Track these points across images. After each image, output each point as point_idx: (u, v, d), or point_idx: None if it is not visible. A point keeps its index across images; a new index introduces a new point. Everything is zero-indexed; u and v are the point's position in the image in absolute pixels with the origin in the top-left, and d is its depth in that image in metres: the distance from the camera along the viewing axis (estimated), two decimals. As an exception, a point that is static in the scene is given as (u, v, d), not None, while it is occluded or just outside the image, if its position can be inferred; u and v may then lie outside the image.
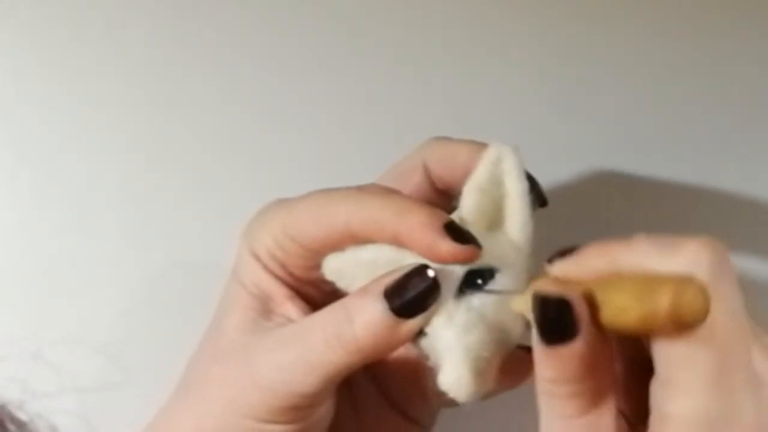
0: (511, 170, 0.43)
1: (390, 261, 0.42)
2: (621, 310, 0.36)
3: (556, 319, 0.37)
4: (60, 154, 0.52)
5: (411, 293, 0.41)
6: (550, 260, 0.40)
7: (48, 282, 0.52)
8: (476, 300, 0.41)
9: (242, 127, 0.54)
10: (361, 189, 0.44)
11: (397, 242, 0.42)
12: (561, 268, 0.39)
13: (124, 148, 0.53)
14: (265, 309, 0.45)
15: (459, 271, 0.41)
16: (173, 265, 0.52)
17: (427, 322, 0.41)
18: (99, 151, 0.53)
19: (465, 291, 0.41)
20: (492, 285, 0.41)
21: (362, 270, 0.43)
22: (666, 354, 0.37)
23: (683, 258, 0.37)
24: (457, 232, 0.41)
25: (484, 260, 0.41)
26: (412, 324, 0.41)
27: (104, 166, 0.53)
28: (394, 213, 0.42)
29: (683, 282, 0.35)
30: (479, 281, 0.41)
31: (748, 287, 0.55)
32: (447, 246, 0.41)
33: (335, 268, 0.43)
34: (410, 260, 0.41)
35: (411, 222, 0.41)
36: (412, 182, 0.46)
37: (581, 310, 0.37)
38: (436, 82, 0.56)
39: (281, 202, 0.46)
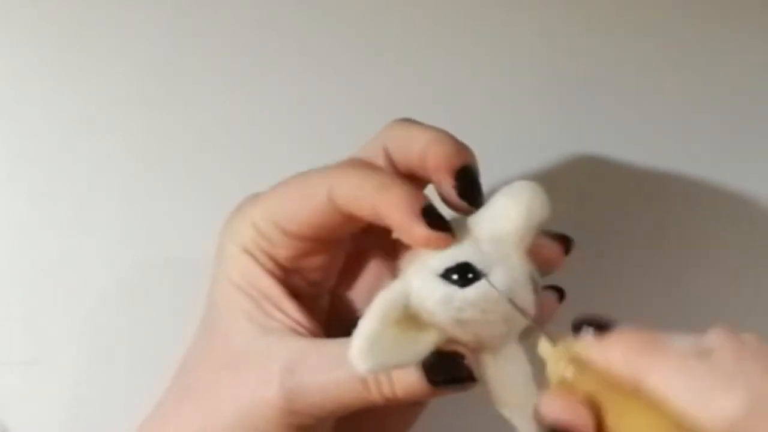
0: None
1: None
2: None
3: None
4: (60, 154, 0.52)
5: (447, 376, 0.41)
6: (578, 326, 0.39)
7: (43, 280, 0.52)
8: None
9: (238, 129, 0.54)
10: (341, 163, 0.44)
11: (377, 217, 0.42)
12: (586, 349, 0.38)
13: (124, 148, 0.53)
14: (264, 308, 0.45)
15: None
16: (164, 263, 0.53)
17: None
18: (99, 150, 0.53)
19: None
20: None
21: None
22: None
23: (717, 411, 0.35)
24: (432, 219, 0.41)
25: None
26: (447, 390, 0.42)
27: (103, 166, 0.53)
28: (374, 188, 0.42)
29: None
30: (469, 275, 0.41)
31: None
32: (421, 231, 0.41)
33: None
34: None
35: (390, 200, 0.41)
36: None
37: None
38: (435, 81, 0.55)
39: (257, 194, 0.45)
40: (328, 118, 0.54)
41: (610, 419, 0.36)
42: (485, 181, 0.44)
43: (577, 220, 0.55)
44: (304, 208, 0.43)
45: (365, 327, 0.39)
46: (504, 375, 0.42)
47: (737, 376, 0.35)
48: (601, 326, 0.38)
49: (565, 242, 0.45)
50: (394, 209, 0.41)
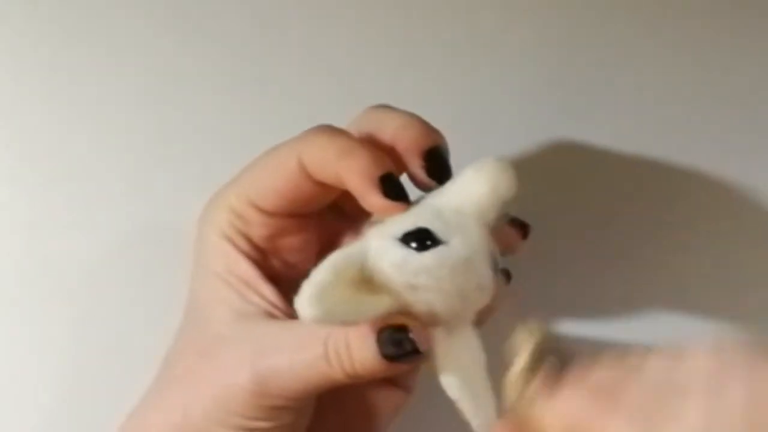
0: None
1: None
2: None
3: None
4: (60, 154, 0.53)
5: (397, 350, 0.41)
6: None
7: (41, 277, 0.52)
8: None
9: (246, 137, 0.54)
10: (309, 130, 0.44)
11: (340, 183, 0.42)
12: (541, 409, 0.38)
13: (123, 147, 0.53)
14: (242, 292, 0.45)
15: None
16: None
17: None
18: (97, 150, 0.53)
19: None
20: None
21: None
22: None
23: None
24: (389, 187, 0.41)
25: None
26: (404, 365, 0.42)
27: (103, 165, 0.53)
28: (336, 153, 0.42)
29: None
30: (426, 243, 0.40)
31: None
32: (376, 199, 0.41)
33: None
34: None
35: (350, 165, 0.42)
36: None
37: None
38: (435, 81, 0.55)
39: (228, 181, 0.46)
40: (321, 113, 0.54)
41: None
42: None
43: (571, 211, 0.55)
44: (276, 179, 0.44)
45: (316, 275, 0.39)
46: (454, 355, 0.42)
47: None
48: (562, 359, 0.38)
49: (523, 228, 0.46)
50: (353, 175, 0.41)
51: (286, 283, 0.46)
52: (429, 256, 0.40)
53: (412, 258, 0.40)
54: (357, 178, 0.41)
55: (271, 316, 0.44)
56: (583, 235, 0.55)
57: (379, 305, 0.40)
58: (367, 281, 0.40)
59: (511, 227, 0.45)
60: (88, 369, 0.52)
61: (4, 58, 0.53)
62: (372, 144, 0.43)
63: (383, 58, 0.55)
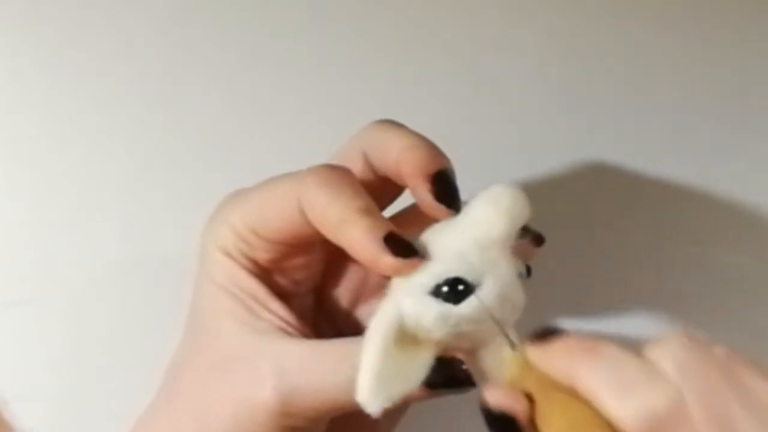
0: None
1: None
2: None
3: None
4: (60, 154, 0.53)
5: (446, 382, 0.41)
6: (533, 339, 0.40)
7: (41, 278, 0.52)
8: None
9: (229, 129, 0.54)
10: (312, 175, 0.43)
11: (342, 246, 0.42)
12: (534, 354, 0.40)
13: (123, 148, 0.53)
14: (251, 308, 0.44)
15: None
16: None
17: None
18: (98, 150, 0.53)
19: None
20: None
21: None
22: None
23: (632, 408, 0.36)
24: (396, 246, 0.40)
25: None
26: (445, 393, 0.42)
27: (103, 166, 0.53)
28: (336, 223, 0.41)
29: None
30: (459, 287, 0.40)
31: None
32: (388, 261, 0.40)
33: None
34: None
35: (351, 237, 0.41)
36: (355, 171, 0.44)
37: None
38: (436, 81, 0.55)
39: (237, 194, 0.45)
40: (320, 122, 0.54)
41: (539, 418, 0.38)
42: (482, 185, 0.44)
43: (578, 221, 0.55)
44: (277, 218, 0.43)
45: (367, 363, 0.39)
46: (495, 364, 0.42)
47: (664, 376, 0.36)
48: (551, 333, 0.40)
49: (539, 239, 0.45)
50: (356, 247, 0.41)
51: (293, 297, 0.46)
52: (466, 306, 0.40)
53: (452, 312, 0.40)
54: (361, 249, 0.41)
55: (284, 332, 0.44)
56: (585, 240, 0.56)
57: (428, 358, 0.40)
58: (409, 338, 0.40)
59: (527, 242, 0.44)
60: (88, 371, 0.52)
61: (4, 58, 0.52)
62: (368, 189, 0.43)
63: (380, 61, 0.55)
